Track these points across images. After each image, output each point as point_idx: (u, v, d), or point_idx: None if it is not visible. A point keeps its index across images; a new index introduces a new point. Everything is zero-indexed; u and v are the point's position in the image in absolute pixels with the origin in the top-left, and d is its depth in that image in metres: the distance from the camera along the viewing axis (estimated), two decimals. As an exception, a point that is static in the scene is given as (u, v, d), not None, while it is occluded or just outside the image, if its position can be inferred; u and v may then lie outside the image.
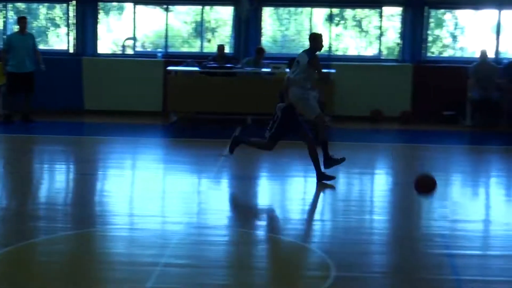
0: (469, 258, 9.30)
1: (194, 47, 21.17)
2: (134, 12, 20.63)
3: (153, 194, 12.11)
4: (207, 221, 10.70)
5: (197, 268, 8.81)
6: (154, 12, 20.95)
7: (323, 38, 12.49)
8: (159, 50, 20.75)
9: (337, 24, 20.71)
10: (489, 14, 20.01)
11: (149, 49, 21.33)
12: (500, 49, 19.99)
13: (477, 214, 11.37)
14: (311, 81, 12.33)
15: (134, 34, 20.76)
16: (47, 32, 21.54)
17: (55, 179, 13.50)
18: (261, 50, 18.95)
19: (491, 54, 19.39)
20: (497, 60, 19.61)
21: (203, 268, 8.80)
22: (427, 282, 8.36)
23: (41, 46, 20.55)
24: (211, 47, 20.54)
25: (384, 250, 9.82)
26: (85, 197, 12.06)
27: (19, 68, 18.51)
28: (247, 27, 19.96)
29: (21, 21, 18.76)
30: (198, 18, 20.81)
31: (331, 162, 12.25)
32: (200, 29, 20.85)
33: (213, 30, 21.31)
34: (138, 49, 21.00)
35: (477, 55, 19.17)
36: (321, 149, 12.23)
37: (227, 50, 19.80)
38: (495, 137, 17.72)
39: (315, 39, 12.50)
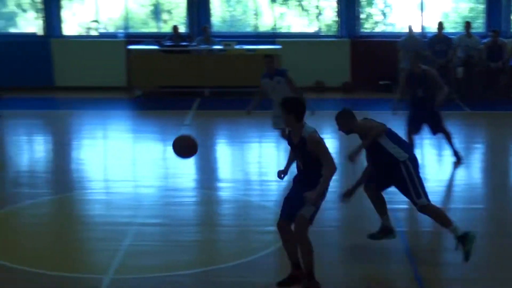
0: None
1: (152, 27, 20.93)
2: (96, -3, 20.31)
3: (124, 161, 11.99)
4: (176, 184, 10.66)
5: (170, 227, 8.80)
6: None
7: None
8: (120, 31, 20.46)
9: (280, 4, 20.63)
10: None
11: (111, 31, 21.01)
12: (424, 24, 20.09)
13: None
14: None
15: (97, 17, 20.46)
16: (15, 17, 21.06)
17: (33, 150, 13.31)
18: (205, 29, 18.81)
19: (417, 29, 19.48)
20: (423, 34, 19.71)
21: (175, 227, 8.80)
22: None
23: (11, 30, 20.28)
24: (167, 28, 20.31)
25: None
26: (63, 165, 11.92)
27: None
28: (198, 8, 19.82)
29: None
30: (154, 1, 20.58)
31: None
32: (157, 11, 20.65)
33: (169, 12, 21.09)
34: (101, 30, 20.68)
35: (405, 30, 19.24)
36: None
37: (182, 29, 19.61)
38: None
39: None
